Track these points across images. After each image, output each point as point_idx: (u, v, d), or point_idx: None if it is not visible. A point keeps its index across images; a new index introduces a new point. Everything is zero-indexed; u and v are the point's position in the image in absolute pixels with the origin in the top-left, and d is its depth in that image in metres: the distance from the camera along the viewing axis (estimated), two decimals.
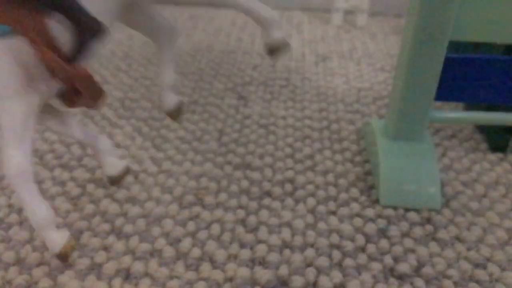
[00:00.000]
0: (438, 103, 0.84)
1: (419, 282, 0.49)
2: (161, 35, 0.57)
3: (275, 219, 0.57)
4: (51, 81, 0.42)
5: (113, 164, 0.57)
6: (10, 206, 0.58)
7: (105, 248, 0.52)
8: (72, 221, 0.55)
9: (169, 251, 0.52)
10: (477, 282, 0.50)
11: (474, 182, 0.64)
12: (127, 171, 0.57)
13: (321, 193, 0.61)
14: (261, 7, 0.50)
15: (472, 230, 0.56)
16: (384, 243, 0.54)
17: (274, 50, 0.52)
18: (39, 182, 0.61)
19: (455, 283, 0.50)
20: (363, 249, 0.53)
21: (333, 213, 0.58)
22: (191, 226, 0.55)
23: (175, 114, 0.61)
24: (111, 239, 0.53)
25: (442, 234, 0.55)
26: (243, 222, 0.56)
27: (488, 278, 0.50)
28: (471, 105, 0.78)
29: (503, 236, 0.56)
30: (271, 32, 0.51)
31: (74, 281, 0.48)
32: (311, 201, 0.60)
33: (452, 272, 0.50)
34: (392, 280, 0.49)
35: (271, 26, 0.51)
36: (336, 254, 0.52)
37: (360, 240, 0.54)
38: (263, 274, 0.49)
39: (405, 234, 0.55)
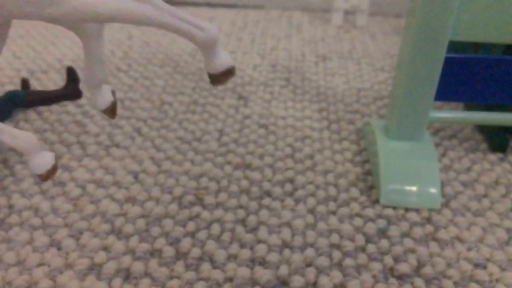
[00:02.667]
0: (438, 103, 0.84)
1: (419, 282, 0.49)
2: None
3: (275, 219, 0.57)
4: None
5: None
6: (10, 206, 0.58)
7: (105, 248, 0.52)
8: (72, 221, 0.55)
9: (169, 251, 0.52)
10: (477, 282, 0.50)
11: (474, 182, 0.64)
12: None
13: (321, 193, 0.61)
14: (196, 25, 0.40)
15: (472, 230, 0.56)
16: (384, 243, 0.54)
17: (218, 79, 0.42)
18: (39, 183, 0.61)
19: (455, 283, 0.50)
20: (363, 249, 0.53)
21: (333, 213, 0.58)
22: (191, 226, 0.55)
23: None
24: (111, 239, 0.53)
25: (442, 234, 0.55)
26: (243, 222, 0.56)
27: (488, 278, 0.50)
28: (471, 105, 0.78)
29: (503, 236, 0.56)
30: (213, 57, 0.42)
31: (74, 281, 0.48)
32: (311, 201, 0.60)
33: (452, 272, 0.50)
34: (392, 280, 0.49)
35: (211, 48, 0.41)
36: (336, 254, 0.52)
37: (360, 240, 0.54)
38: (263, 274, 0.49)
39: (405, 234, 0.55)
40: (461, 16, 0.53)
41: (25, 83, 0.70)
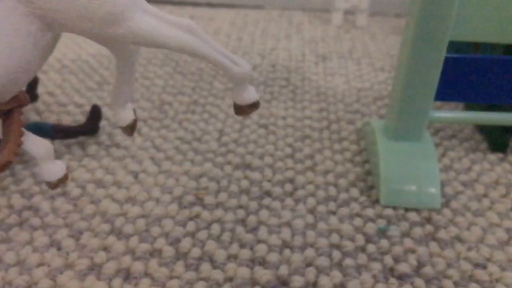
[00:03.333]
0: (438, 103, 0.84)
1: (419, 282, 0.49)
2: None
3: (275, 219, 0.57)
4: None
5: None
6: (10, 207, 0.58)
7: (105, 248, 0.52)
8: (72, 221, 0.55)
9: (169, 251, 0.52)
10: (477, 282, 0.50)
11: (474, 182, 0.64)
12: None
13: (321, 193, 0.61)
14: (233, 60, 0.43)
15: (472, 230, 0.56)
16: (384, 243, 0.54)
17: (243, 110, 0.46)
18: (39, 183, 0.61)
19: (455, 283, 0.50)
20: (363, 249, 0.53)
21: (333, 213, 0.58)
22: (191, 226, 0.55)
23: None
24: (111, 239, 0.53)
25: (442, 234, 0.55)
26: (243, 222, 0.56)
27: (488, 278, 0.50)
28: (471, 105, 0.78)
29: (503, 236, 0.55)
30: (243, 90, 0.45)
31: (74, 281, 0.48)
32: (311, 201, 0.60)
33: (452, 272, 0.50)
34: (392, 280, 0.49)
35: (243, 82, 0.44)
36: (336, 254, 0.52)
37: (360, 240, 0.54)
38: (263, 274, 0.49)
39: (405, 234, 0.55)
40: (461, 16, 0.53)
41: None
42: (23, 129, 0.47)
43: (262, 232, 0.55)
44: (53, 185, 0.52)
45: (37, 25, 0.40)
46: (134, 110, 0.54)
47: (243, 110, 0.46)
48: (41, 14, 0.39)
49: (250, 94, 0.46)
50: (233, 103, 0.47)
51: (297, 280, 0.49)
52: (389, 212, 0.58)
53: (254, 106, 0.46)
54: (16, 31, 0.39)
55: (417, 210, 0.59)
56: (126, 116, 0.54)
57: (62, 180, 0.52)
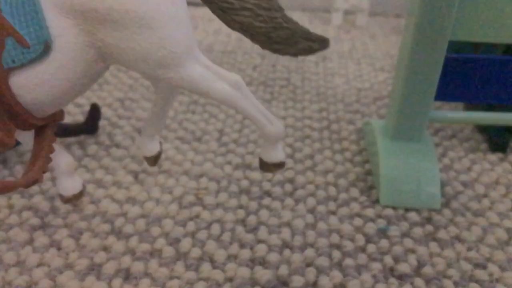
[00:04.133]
0: (438, 103, 0.84)
1: (419, 282, 0.49)
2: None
3: (275, 219, 0.57)
4: None
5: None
6: (10, 207, 0.58)
7: (105, 249, 0.52)
8: (72, 221, 0.55)
9: (169, 251, 0.52)
10: (477, 282, 0.50)
11: (474, 182, 0.64)
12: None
13: (321, 193, 0.61)
14: (268, 118, 0.44)
15: (472, 230, 0.56)
16: (384, 243, 0.54)
17: (268, 168, 0.47)
18: (39, 183, 0.61)
19: (455, 283, 0.50)
20: (363, 249, 0.53)
21: (333, 213, 0.58)
22: (191, 226, 0.55)
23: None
24: (111, 239, 0.53)
25: (442, 234, 0.55)
26: (243, 222, 0.56)
27: (488, 278, 0.50)
28: (471, 105, 0.78)
29: (503, 236, 0.56)
30: (272, 148, 0.46)
31: (73, 282, 0.48)
32: (311, 201, 0.60)
33: (452, 272, 0.50)
34: (392, 280, 0.49)
35: (274, 141, 0.46)
36: (336, 254, 0.52)
37: (360, 240, 0.54)
38: (263, 274, 0.49)
39: (405, 234, 0.55)
40: (461, 16, 0.53)
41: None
42: (54, 145, 0.48)
43: (262, 232, 0.55)
44: (66, 200, 0.53)
45: (93, 55, 0.40)
46: (161, 143, 0.55)
47: (267, 167, 0.47)
48: (100, 46, 0.40)
49: (278, 154, 0.47)
50: (259, 157, 0.48)
51: (297, 280, 0.49)
52: (389, 212, 0.58)
53: (279, 165, 0.47)
54: (72, 57, 0.40)
55: (417, 210, 0.59)
56: (153, 148, 0.55)
57: (77, 197, 0.53)
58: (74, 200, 0.53)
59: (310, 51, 0.44)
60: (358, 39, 1.12)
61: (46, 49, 0.38)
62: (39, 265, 0.50)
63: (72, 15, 0.38)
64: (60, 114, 0.47)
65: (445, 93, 0.61)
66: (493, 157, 0.70)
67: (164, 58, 0.40)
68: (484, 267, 0.52)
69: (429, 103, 0.59)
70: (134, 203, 0.59)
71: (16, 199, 0.58)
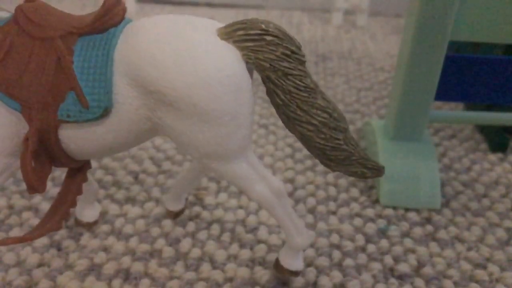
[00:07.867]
0: (438, 103, 0.84)
1: (419, 282, 0.49)
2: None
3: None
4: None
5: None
6: (10, 207, 0.58)
7: (105, 249, 0.52)
8: (72, 221, 0.55)
9: (168, 252, 0.52)
10: (477, 282, 0.50)
11: (474, 182, 0.64)
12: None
13: (321, 193, 0.61)
14: (299, 229, 0.44)
15: (472, 230, 0.56)
16: (384, 243, 0.54)
17: (283, 271, 0.46)
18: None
19: (455, 283, 0.50)
20: (363, 249, 0.53)
21: (333, 213, 0.58)
22: (191, 226, 0.55)
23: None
24: (111, 239, 0.53)
25: (442, 234, 0.55)
26: (243, 222, 0.56)
27: (488, 278, 0.50)
28: (471, 105, 0.78)
29: (503, 236, 0.56)
30: (291, 256, 0.46)
31: (73, 282, 0.48)
32: (311, 201, 0.60)
33: (452, 272, 0.50)
34: (392, 280, 0.49)
35: (296, 251, 0.45)
36: (336, 254, 0.52)
37: (360, 240, 0.54)
38: (263, 274, 0.49)
39: (405, 234, 0.55)
40: (461, 16, 0.53)
41: None
42: (83, 187, 0.48)
43: (262, 232, 0.55)
44: (80, 223, 0.54)
45: (149, 127, 0.40)
46: (187, 199, 0.56)
47: (282, 271, 0.46)
48: (156, 123, 0.40)
49: (297, 262, 0.46)
50: (277, 257, 0.47)
51: (297, 280, 0.49)
52: (389, 212, 0.58)
53: (295, 274, 0.46)
54: (128, 125, 0.40)
55: (417, 210, 0.59)
56: (177, 204, 0.55)
57: (91, 225, 0.54)
58: (87, 226, 0.54)
59: (362, 176, 0.43)
60: (358, 39, 1.12)
61: (104, 113, 0.38)
62: (39, 265, 0.50)
63: (140, 90, 0.38)
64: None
65: (445, 93, 0.61)
66: (493, 157, 0.70)
67: (215, 152, 0.39)
68: (484, 267, 0.52)
69: (429, 103, 0.59)
70: (134, 203, 0.59)
71: (16, 200, 0.58)
